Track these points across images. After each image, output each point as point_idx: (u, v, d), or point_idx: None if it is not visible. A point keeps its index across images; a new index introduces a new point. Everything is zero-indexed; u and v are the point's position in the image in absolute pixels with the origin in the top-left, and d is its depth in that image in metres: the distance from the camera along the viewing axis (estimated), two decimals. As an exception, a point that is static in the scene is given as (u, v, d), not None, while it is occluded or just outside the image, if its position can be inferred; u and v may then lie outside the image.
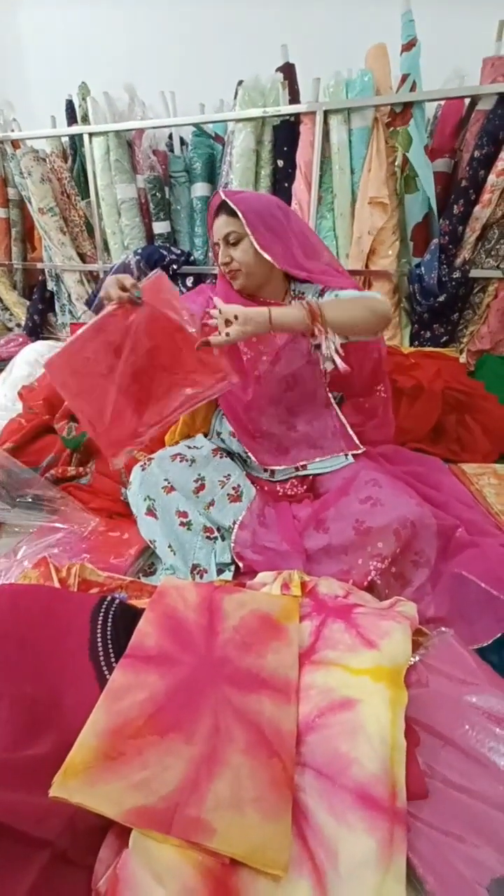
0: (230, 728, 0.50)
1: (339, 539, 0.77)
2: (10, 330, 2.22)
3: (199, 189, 1.66)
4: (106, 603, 0.66)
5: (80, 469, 1.14)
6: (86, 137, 1.68)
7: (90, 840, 0.42)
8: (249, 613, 0.66)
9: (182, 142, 1.75)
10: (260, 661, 0.59)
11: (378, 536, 0.73)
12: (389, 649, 0.57)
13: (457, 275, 1.40)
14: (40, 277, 2.09)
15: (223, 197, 0.80)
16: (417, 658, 0.60)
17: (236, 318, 0.70)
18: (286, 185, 1.52)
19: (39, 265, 2.02)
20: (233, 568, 0.83)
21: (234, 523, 0.85)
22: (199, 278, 1.71)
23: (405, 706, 0.51)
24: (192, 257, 1.72)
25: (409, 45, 1.27)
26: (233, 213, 0.79)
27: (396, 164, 1.38)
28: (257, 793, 0.45)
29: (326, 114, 1.37)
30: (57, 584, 0.71)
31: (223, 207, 0.81)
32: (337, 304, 0.74)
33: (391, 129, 1.35)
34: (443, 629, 0.65)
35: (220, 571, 0.82)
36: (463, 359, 1.48)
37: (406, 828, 0.43)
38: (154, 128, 1.64)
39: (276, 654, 0.60)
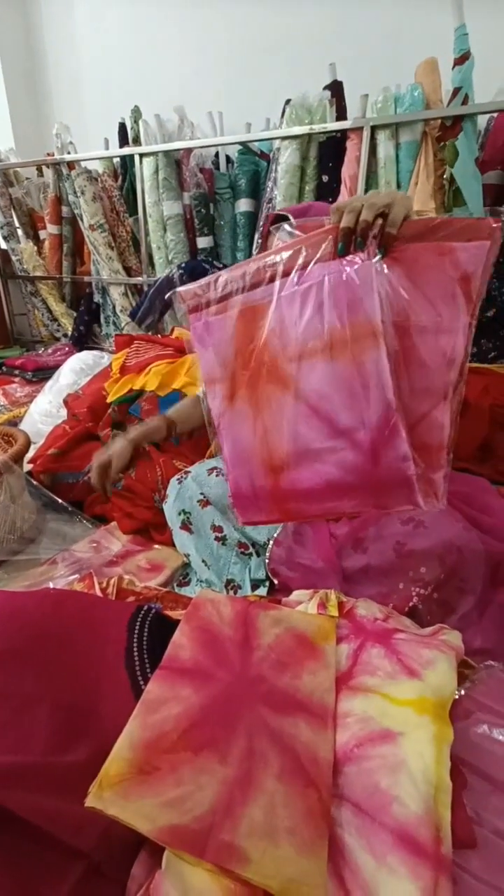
0: (265, 751, 0.49)
1: (378, 560, 0.74)
2: (57, 339, 2.33)
3: (243, 205, 1.69)
4: (143, 612, 0.66)
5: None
6: (136, 158, 1.75)
7: (124, 855, 0.42)
8: (285, 632, 0.65)
9: (228, 160, 1.80)
10: (295, 681, 0.57)
11: (421, 560, 0.71)
12: (434, 680, 0.54)
13: (507, 289, 1.35)
14: (87, 290, 2.18)
15: None
16: (463, 692, 0.57)
17: None
18: (330, 199, 1.52)
19: (87, 278, 2.11)
20: (267, 584, 0.82)
21: (269, 540, 0.84)
22: (240, 291, 1.74)
23: (451, 743, 0.48)
24: (233, 271, 1.75)
25: (462, 59, 1.25)
26: None
27: (445, 176, 1.36)
28: (292, 823, 0.43)
29: (374, 129, 1.37)
30: (99, 594, 0.72)
31: None
32: None
33: (441, 143, 1.33)
34: (491, 662, 0.61)
35: (254, 587, 0.81)
36: (511, 375, 1.42)
37: (451, 878, 0.40)
38: (202, 147, 1.69)
39: (313, 675, 0.58)
